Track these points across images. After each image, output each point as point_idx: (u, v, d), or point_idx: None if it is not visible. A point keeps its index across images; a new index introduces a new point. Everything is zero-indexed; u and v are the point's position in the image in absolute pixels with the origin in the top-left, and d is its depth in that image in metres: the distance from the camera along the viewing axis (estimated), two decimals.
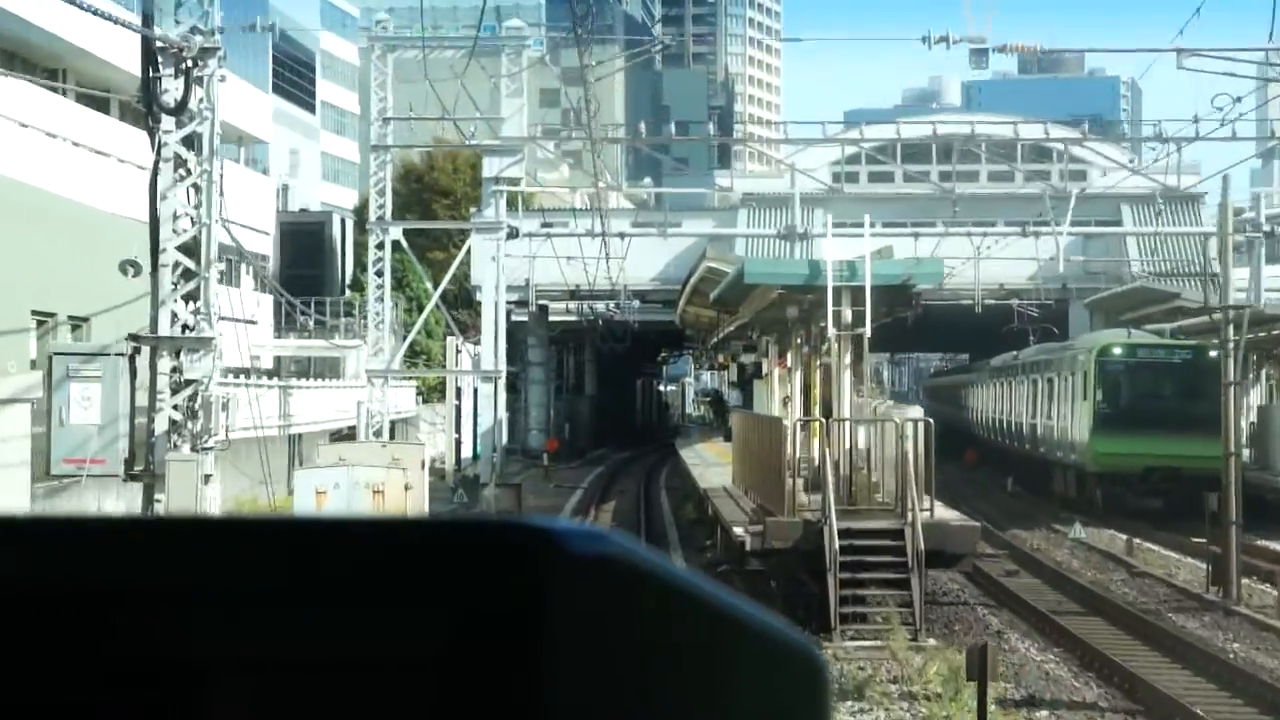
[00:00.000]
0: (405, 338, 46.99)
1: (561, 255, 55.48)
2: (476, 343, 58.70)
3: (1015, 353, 52.92)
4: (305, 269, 72.68)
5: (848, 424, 22.75)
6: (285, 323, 60.06)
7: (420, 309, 63.65)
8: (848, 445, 22.51)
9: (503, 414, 44.28)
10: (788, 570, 21.11)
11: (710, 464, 38.97)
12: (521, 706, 0.91)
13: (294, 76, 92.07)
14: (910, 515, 20.09)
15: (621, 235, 54.86)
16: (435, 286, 45.30)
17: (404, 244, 43.59)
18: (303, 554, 0.96)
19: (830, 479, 20.22)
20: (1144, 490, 37.82)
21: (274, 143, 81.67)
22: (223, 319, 49.94)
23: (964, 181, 54.80)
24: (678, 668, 1.00)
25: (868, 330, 22.20)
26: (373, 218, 41.00)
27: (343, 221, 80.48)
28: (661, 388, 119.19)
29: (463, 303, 71.16)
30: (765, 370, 45.80)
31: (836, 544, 19.65)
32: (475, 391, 43.88)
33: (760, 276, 24.97)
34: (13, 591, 0.94)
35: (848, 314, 22.56)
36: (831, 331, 22.33)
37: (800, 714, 1.11)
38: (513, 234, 52.98)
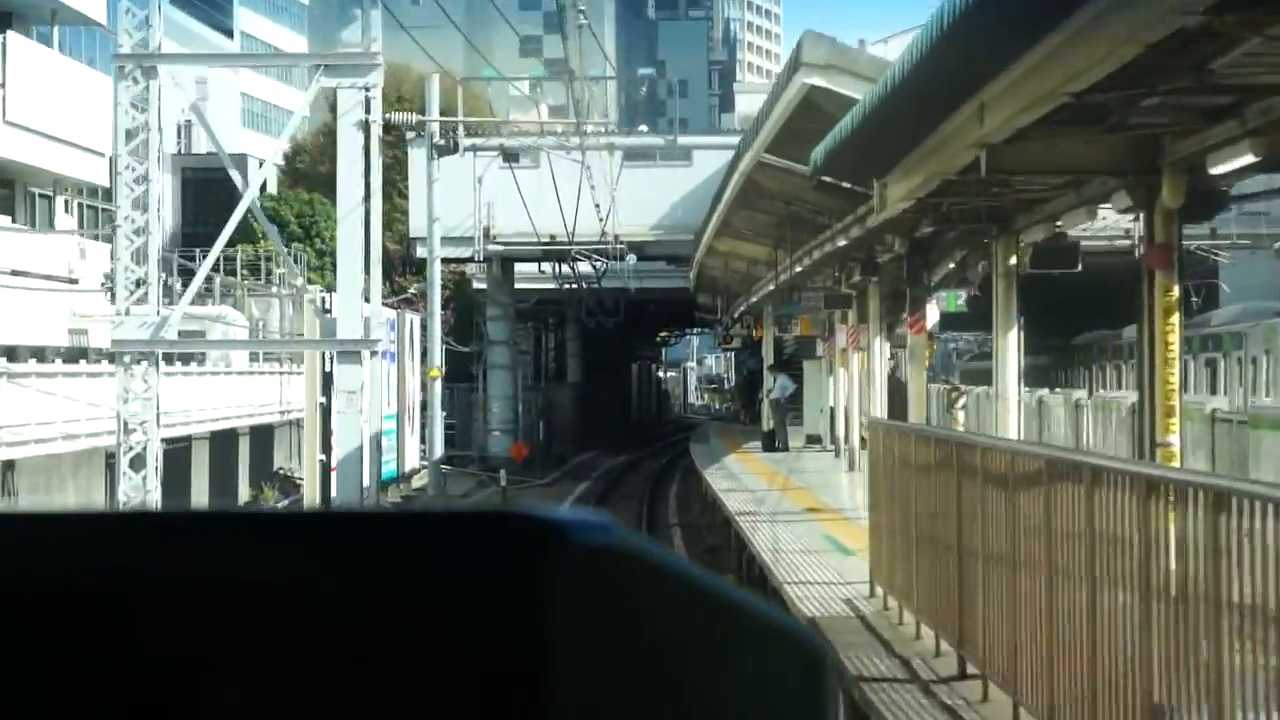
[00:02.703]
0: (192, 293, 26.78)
1: (529, 193, 39.11)
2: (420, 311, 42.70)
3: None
4: (215, 226, 56.24)
5: None
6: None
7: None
8: None
9: (378, 425, 26.00)
10: None
11: (775, 511, 22.23)
12: (523, 699, 0.89)
13: None
14: None
15: (611, 148, 38.06)
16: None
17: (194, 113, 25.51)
18: (290, 548, 0.93)
19: None
20: None
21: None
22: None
23: None
24: (682, 658, 1.00)
25: None
26: (122, 45, 21.97)
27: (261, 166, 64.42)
28: (661, 374, 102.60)
29: (411, 267, 54.16)
30: (844, 343, 28.92)
31: None
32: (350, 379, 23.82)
33: None
34: None
35: None
36: None
37: (804, 702, 1.14)
38: (448, 147, 36.09)
